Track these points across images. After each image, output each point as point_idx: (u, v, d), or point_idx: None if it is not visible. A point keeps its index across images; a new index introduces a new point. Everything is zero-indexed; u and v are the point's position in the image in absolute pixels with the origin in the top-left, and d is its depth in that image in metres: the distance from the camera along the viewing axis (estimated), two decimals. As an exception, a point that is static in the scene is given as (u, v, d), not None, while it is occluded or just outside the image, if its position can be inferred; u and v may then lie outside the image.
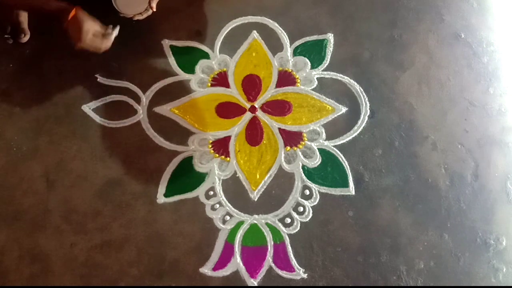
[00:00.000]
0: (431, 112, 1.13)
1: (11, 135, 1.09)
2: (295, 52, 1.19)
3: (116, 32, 1.02)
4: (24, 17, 1.16)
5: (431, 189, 1.05)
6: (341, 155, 1.08)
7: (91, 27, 0.97)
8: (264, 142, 1.10)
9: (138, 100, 1.13)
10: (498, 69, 1.18)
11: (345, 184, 1.05)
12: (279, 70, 1.18)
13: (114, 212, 1.02)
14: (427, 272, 0.97)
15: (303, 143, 1.10)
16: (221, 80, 1.16)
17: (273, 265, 0.98)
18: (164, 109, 1.13)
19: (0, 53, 1.17)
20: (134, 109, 1.12)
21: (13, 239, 1.00)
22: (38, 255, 0.98)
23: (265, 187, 1.05)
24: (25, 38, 1.16)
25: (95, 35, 0.98)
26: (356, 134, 1.10)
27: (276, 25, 1.22)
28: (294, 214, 1.02)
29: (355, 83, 1.15)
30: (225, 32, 1.21)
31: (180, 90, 1.15)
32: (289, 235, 1.01)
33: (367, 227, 1.01)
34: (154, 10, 1.07)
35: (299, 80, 1.16)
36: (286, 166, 1.07)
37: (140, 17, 1.09)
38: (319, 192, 1.04)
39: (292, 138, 1.10)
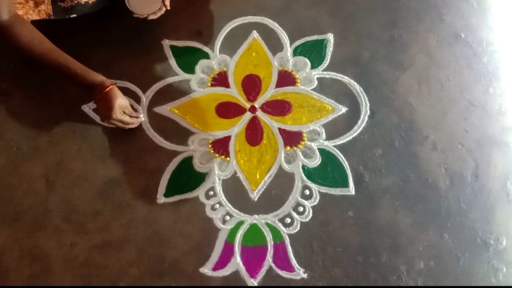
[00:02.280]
0: (431, 112, 1.13)
1: (11, 135, 1.09)
2: (295, 52, 1.19)
3: (142, 117, 1.09)
4: None
5: (431, 189, 1.05)
6: (341, 155, 1.08)
7: (123, 103, 1.01)
8: (264, 142, 1.10)
9: (138, 100, 1.13)
10: (498, 69, 1.18)
11: (345, 184, 1.05)
12: (279, 70, 1.18)
13: (114, 212, 1.02)
14: (427, 272, 0.97)
15: (303, 143, 1.10)
16: (221, 80, 1.16)
17: (273, 265, 0.98)
18: (164, 109, 1.13)
19: (0, 53, 1.18)
20: (134, 109, 1.12)
21: (13, 239, 1.00)
22: (38, 255, 0.98)
23: (265, 187, 1.05)
24: None
25: (125, 112, 1.03)
26: (356, 134, 1.10)
27: (276, 25, 1.22)
28: (294, 214, 1.02)
29: (355, 83, 1.15)
30: (225, 32, 1.21)
31: (180, 90, 1.15)
32: (289, 235, 1.01)
33: (367, 227, 1.01)
34: (169, 8, 1.07)
35: (299, 80, 1.16)
36: (286, 166, 1.07)
37: (154, 17, 1.09)
38: (319, 192, 1.04)
39: (292, 138, 1.10)
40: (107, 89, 0.98)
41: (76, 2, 1.04)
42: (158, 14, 1.09)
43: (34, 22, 1.01)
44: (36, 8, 1.03)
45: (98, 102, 1.00)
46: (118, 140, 1.09)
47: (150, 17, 1.08)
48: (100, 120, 1.06)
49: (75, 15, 1.07)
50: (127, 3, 1.06)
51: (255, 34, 1.21)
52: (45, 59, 0.97)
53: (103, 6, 1.12)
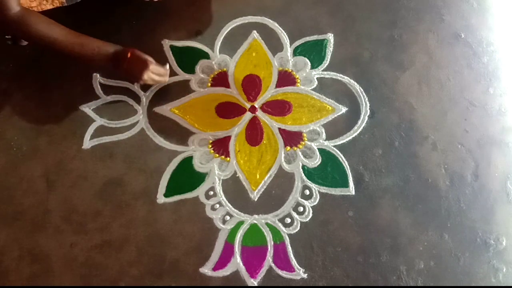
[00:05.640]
0: (431, 112, 1.13)
1: (11, 135, 1.09)
2: (295, 52, 1.19)
3: (168, 68, 1.08)
4: None
5: (431, 189, 1.05)
6: (341, 155, 1.08)
7: (153, 63, 1.01)
8: (264, 142, 1.10)
9: (138, 100, 1.13)
10: (498, 69, 1.18)
11: (345, 184, 1.05)
12: (279, 70, 1.18)
13: (114, 212, 1.02)
14: (427, 272, 0.98)
15: (303, 143, 1.10)
16: (221, 80, 1.16)
17: (273, 265, 0.98)
18: (164, 109, 1.13)
19: (0, 53, 1.18)
20: (134, 109, 1.12)
21: (13, 239, 1.00)
22: (38, 255, 0.99)
23: (265, 187, 1.05)
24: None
25: (153, 71, 1.02)
26: (356, 134, 1.10)
27: (276, 25, 1.22)
28: (294, 214, 1.03)
29: (355, 83, 1.15)
30: (225, 32, 1.21)
31: (180, 90, 1.15)
32: (289, 235, 1.01)
33: (367, 227, 1.01)
34: None
35: (299, 80, 1.16)
36: (286, 166, 1.07)
37: None
38: (319, 192, 1.05)
39: (292, 138, 1.10)
40: (129, 54, 0.97)
41: None
42: None
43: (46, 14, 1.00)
44: None
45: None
46: (118, 140, 1.09)
47: None
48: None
49: None
50: None
51: (255, 34, 1.21)
52: (59, 44, 0.95)
53: None
